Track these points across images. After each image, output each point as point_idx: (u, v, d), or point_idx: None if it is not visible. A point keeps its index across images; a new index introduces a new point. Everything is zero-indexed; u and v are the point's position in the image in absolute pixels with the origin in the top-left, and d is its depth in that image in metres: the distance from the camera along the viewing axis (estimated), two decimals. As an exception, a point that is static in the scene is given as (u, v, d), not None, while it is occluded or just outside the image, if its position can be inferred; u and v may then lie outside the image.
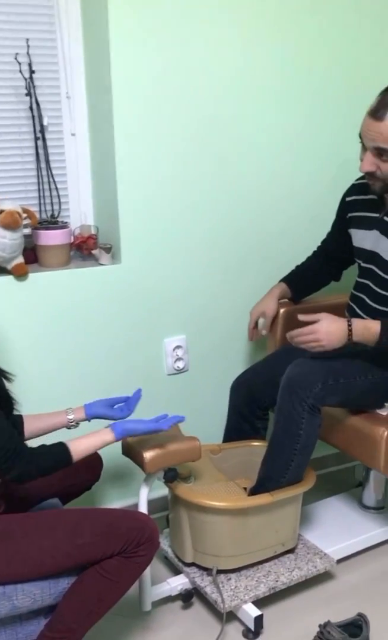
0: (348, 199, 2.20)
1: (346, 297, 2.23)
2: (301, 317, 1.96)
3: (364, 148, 1.90)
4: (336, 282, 2.38)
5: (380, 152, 1.86)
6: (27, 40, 2.07)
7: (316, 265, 2.36)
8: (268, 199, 2.44)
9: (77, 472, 1.82)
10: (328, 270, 2.36)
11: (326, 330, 1.91)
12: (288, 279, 2.35)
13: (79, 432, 1.77)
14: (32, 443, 1.67)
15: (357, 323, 1.93)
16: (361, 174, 2.00)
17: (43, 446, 1.64)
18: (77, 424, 1.85)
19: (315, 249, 2.38)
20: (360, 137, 1.89)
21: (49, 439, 1.70)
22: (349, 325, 1.92)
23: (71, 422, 1.84)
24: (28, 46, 2.07)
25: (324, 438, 2.15)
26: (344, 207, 2.21)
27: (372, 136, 1.85)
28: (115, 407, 1.88)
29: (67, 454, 1.63)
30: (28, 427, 1.81)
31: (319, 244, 2.37)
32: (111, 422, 1.78)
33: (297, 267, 2.38)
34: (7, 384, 1.74)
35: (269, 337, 2.39)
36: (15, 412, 1.78)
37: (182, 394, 2.46)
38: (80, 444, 1.66)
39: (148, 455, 1.80)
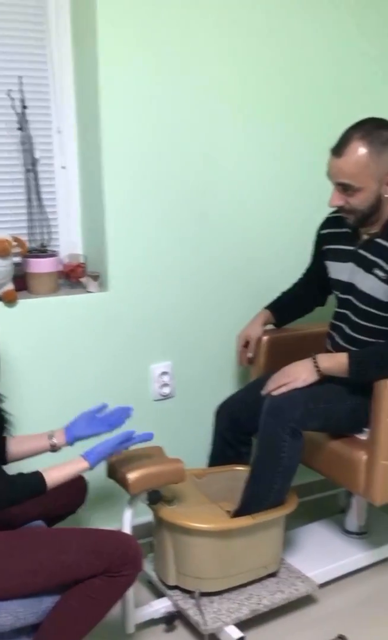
0: (322, 232, 2.27)
1: (326, 326, 2.29)
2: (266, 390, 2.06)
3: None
4: (322, 307, 2.43)
5: (344, 187, 1.95)
6: (20, 77, 2.15)
7: (300, 291, 2.42)
8: (252, 230, 2.51)
9: (63, 495, 1.82)
10: (312, 296, 2.40)
11: (291, 369, 2.04)
12: (271, 307, 2.42)
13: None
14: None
15: (321, 355, 2.05)
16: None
17: (20, 475, 1.64)
18: (61, 447, 1.85)
19: (300, 275, 2.43)
20: (327, 174, 1.98)
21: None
22: (314, 359, 2.03)
23: (54, 446, 1.84)
24: (21, 83, 2.16)
25: (305, 462, 2.19)
26: (319, 240, 2.28)
27: (334, 172, 1.94)
28: (96, 420, 1.87)
29: (42, 484, 1.63)
30: (11, 451, 1.82)
31: (303, 271, 2.43)
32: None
33: (282, 293, 2.44)
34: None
35: (253, 363, 2.44)
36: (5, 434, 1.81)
37: (168, 419, 2.49)
38: (55, 474, 1.66)
39: (131, 476, 1.83)
